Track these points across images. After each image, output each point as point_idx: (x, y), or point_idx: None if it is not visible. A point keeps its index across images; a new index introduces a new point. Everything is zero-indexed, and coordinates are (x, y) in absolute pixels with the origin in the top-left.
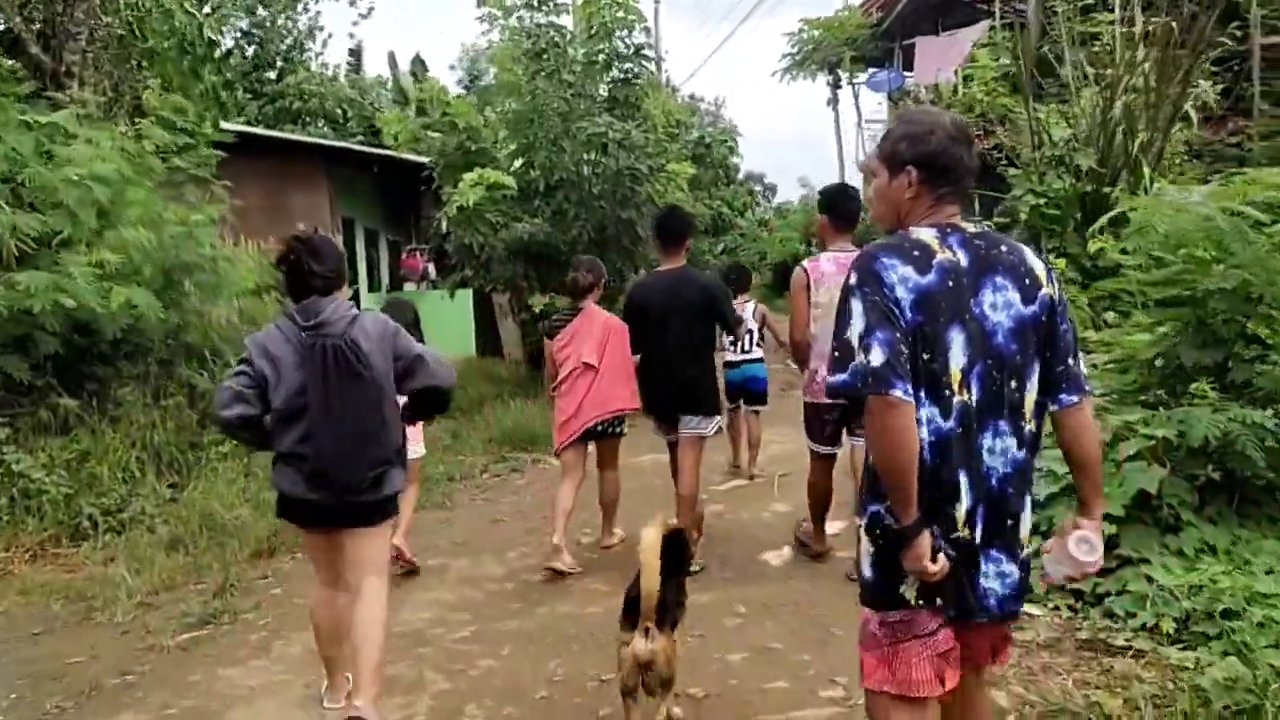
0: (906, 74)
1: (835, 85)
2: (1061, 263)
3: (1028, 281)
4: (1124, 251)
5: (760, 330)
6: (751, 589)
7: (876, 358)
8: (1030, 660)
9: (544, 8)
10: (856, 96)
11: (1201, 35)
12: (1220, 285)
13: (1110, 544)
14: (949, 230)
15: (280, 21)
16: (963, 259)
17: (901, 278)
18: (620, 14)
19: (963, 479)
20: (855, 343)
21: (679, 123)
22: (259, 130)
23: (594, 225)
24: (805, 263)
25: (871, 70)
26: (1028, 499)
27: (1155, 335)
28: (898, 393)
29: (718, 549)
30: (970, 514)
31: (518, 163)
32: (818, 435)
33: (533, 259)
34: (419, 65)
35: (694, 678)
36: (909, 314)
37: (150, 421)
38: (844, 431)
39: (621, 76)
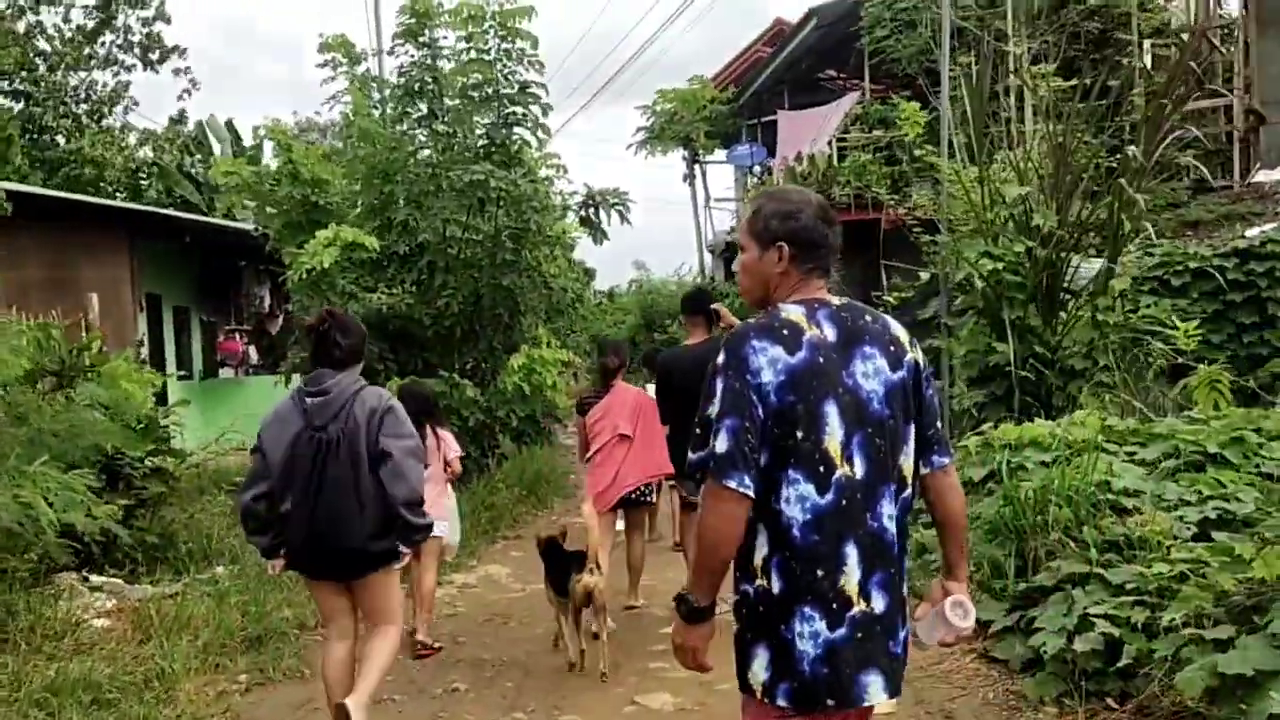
0: (761, 148)
1: (693, 160)
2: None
3: (893, 348)
4: None
5: None
6: None
7: (721, 444)
8: None
9: (424, 46)
10: (704, 175)
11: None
12: None
13: None
14: (817, 306)
15: (70, 81)
16: (830, 333)
17: (770, 360)
18: (508, 41)
19: (850, 550)
20: (711, 424)
21: (559, 175)
22: (36, 189)
23: (466, 296)
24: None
25: (733, 146)
26: (905, 562)
27: None
28: (732, 483)
29: None
30: (864, 587)
31: (371, 224)
32: None
33: (391, 336)
34: (230, 130)
35: None
36: (777, 396)
37: None
38: None
39: (502, 120)
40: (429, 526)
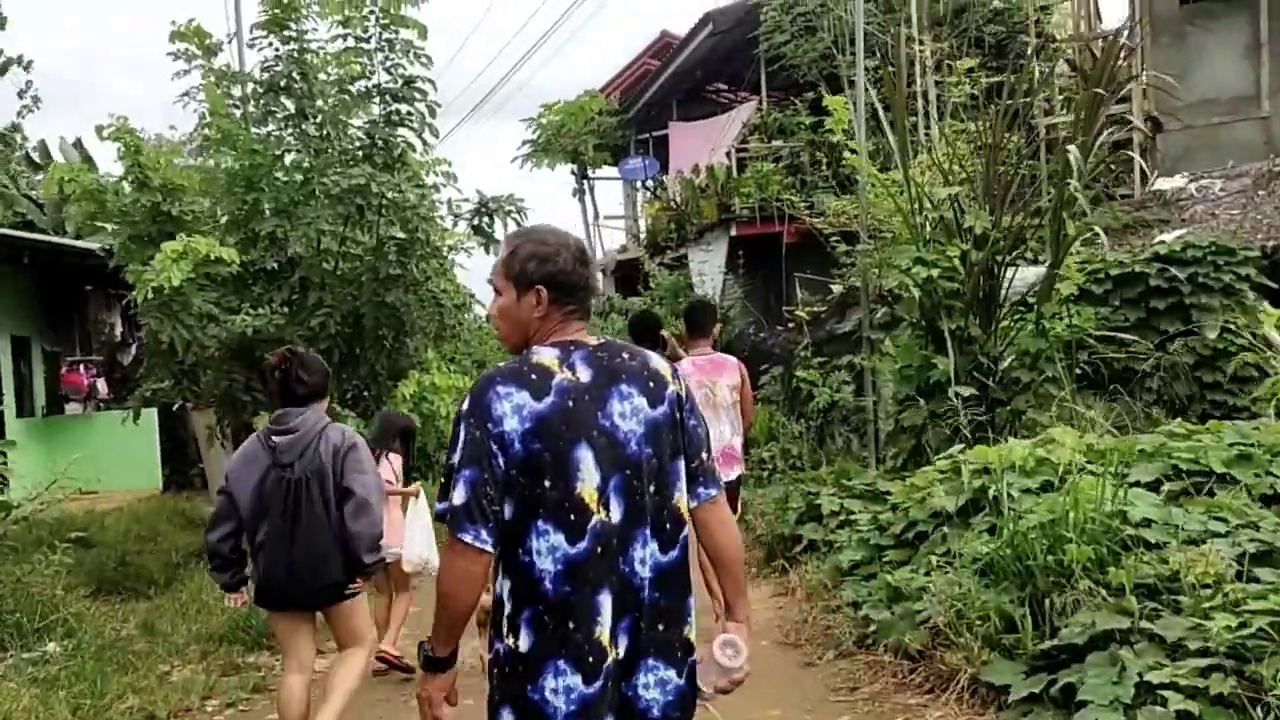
0: (654, 161)
1: (581, 175)
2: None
3: (653, 384)
4: None
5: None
6: None
7: (458, 497)
8: None
9: (291, 40)
10: (593, 190)
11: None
12: None
13: None
14: (573, 348)
15: None
16: (584, 376)
17: (515, 406)
18: (392, 30)
19: (604, 599)
20: (452, 474)
21: (449, 183)
22: None
23: (344, 315)
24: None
25: (624, 160)
26: (689, 601)
27: None
28: (467, 537)
29: None
30: (614, 634)
31: (234, 237)
32: None
33: (258, 363)
34: (79, 149)
35: None
36: (522, 444)
37: None
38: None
39: (383, 118)
40: (381, 560)
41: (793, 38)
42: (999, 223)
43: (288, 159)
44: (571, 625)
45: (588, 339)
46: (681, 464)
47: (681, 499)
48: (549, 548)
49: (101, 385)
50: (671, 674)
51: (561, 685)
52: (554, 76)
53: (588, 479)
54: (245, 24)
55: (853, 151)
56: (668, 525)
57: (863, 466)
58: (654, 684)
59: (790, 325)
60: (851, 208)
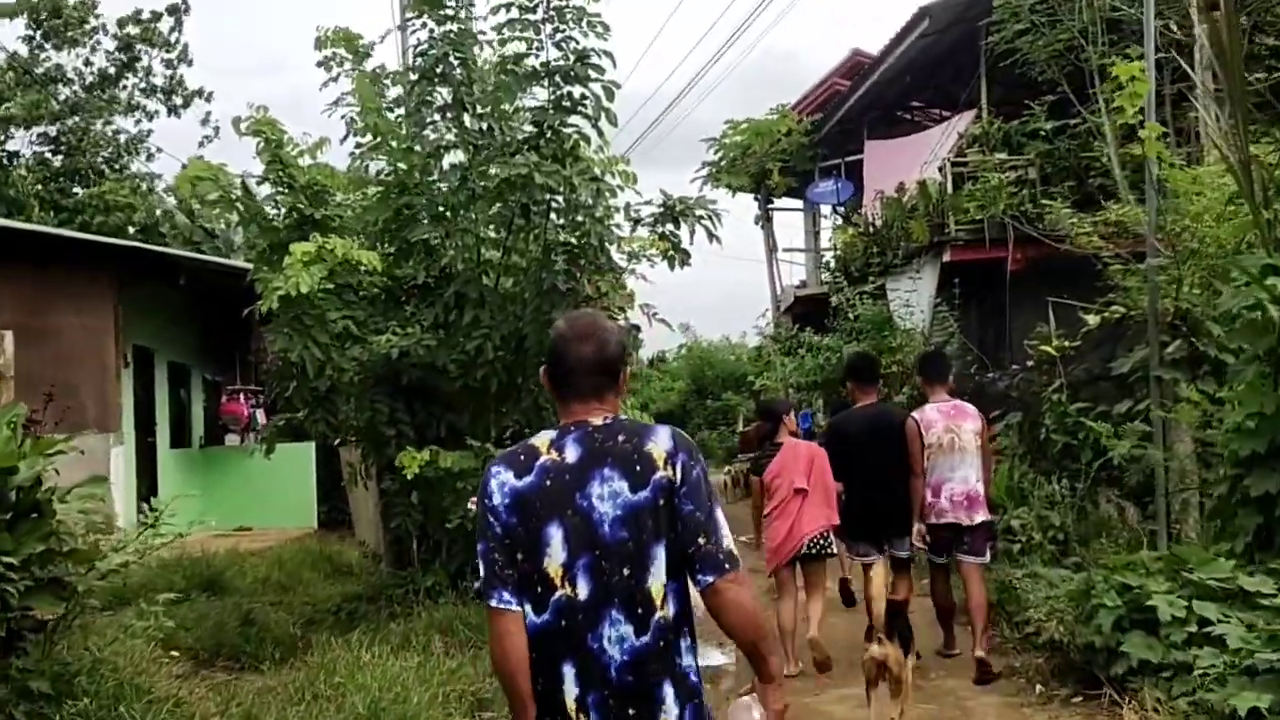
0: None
1: (767, 200)
2: None
3: (639, 468)
4: None
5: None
6: None
7: (482, 569)
8: None
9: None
10: (771, 220)
11: None
12: None
13: None
14: (572, 429)
15: (98, 127)
16: (571, 456)
17: (500, 484)
18: None
19: (568, 670)
20: None
21: (628, 184)
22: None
23: (504, 337)
24: (915, 414)
25: (812, 184)
26: (667, 689)
27: None
28: (494, 602)
29: None
30: (580, 703)
31: (386, 249)
32: (932, 549)
33: (405, 392)
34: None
35: None
36: (505, 516)
37: None
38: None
39: (552, 100)
40: None
41: (1032, 26)
42: None
43: (445, 161)
44: (542, 687)
45: (591, 418)
46: (662, 549)
47: (656, 585)
48: (525, 615)
49: (261, 416)
50: None
51: None
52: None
53: (554, 556)
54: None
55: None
56: (640, 610)
57: (1147, 546)
58: None
59: (1030, 364)
60: (1127, 216)
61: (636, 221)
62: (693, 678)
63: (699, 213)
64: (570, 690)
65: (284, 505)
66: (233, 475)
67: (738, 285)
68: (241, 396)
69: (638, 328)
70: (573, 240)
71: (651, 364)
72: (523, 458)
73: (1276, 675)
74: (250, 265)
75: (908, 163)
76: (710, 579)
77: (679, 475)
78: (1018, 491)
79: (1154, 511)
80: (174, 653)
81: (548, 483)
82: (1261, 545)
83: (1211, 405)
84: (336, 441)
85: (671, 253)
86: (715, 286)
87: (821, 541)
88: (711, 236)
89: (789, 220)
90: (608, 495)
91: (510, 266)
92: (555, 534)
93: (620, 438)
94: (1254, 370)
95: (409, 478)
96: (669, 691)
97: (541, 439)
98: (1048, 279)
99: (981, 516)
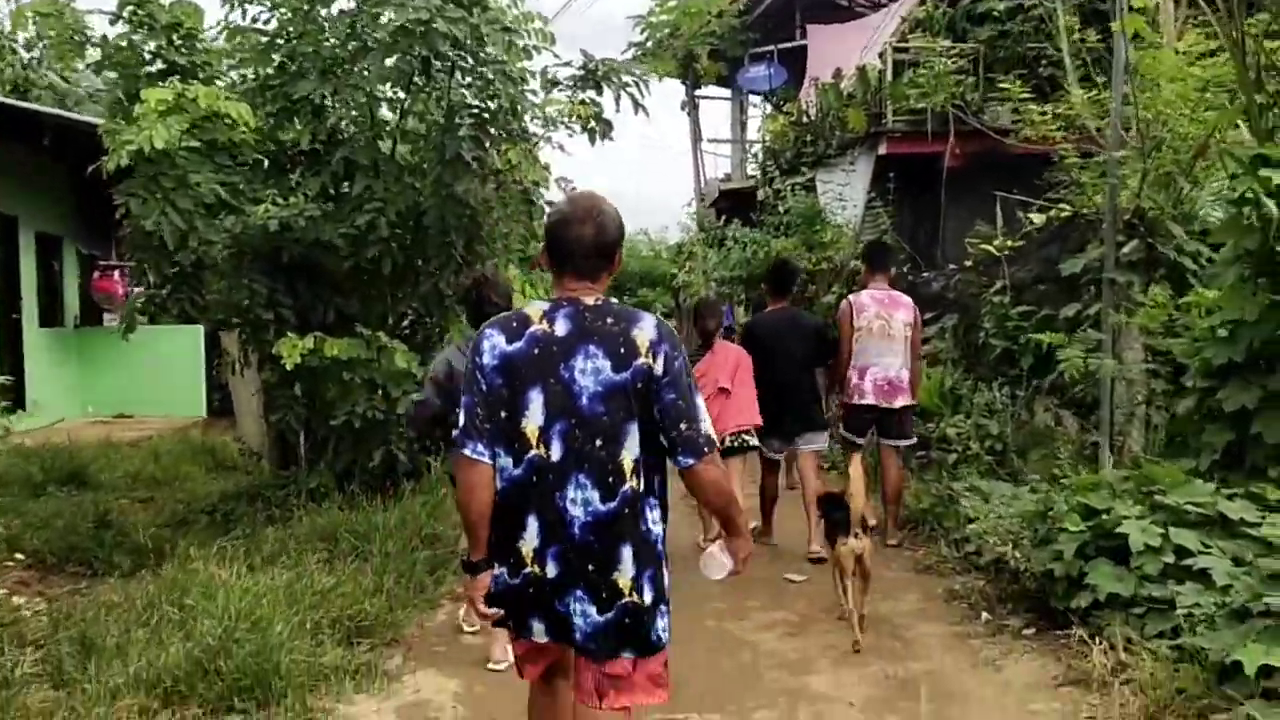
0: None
1: (694, 86)
2: None
3: (622, 351)
4: None
5: None
6: None
7: (461, 420)
8: None
9: None
10: (697, 108)
11: None
12: None
13: None
14: (564, 304)
15: None
16: (561, 329)
17: (491, 345)
18: None
19: (531, 521)
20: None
21: (542, 45)
22: None
23: (401, 211)
24: (850, 296)
25: (741, 70)
26: (625, 550)
27: None
28: (467, 451)
29: None
30: (539, 553)
31: (266, 108)
32: (851, 429)
33: (287, 271)
34: None
35: None
36: (492, 376)
37: None
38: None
39: None
40: None
41: None
42: None
43: (335, 6)
44: (504, 533)
45: (584, 297)
46: (634, 427)
47: (627, 458)
48: (501, 467)
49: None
50: (592, 611)
51: (499, 572)
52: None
53: (533, 418)
54: None
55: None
56: (610, 479)
57: (1087, 459)
58: (578, 613)
59: (968, 265)
60: (1083, 107)
61: (553, 84)
62: (658, 546)
63: (624, 78)
64: (530, 540)
65: (170, 392)
66: (112, 358)
67: (659, 180)
68: (117, 273)
69: (554, 204)
70: (481, 103)
71: None
72: (515, 324)
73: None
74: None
75: (851, 49)
76: (690, 461)
77: (661, 365)
78: (952, 398)
79: (1097, 422)
80: (18, 555)
81: (535, 351)
82: (1230, 464)
83: (1177, 311)
84: (212, 326)
85: (592, 123)
86: (635, 180)
87: (744, 436)
88: (637, 106)
89: (716, 113)
90: (590, 370)
91: (409, 132)
92: (536, 398)
93: (609, 320)
94: (1235, 271)
95: (290, 368)
96: (627, 554)
97: (534, 309)
98: (988, 176)
99: (903, 401)
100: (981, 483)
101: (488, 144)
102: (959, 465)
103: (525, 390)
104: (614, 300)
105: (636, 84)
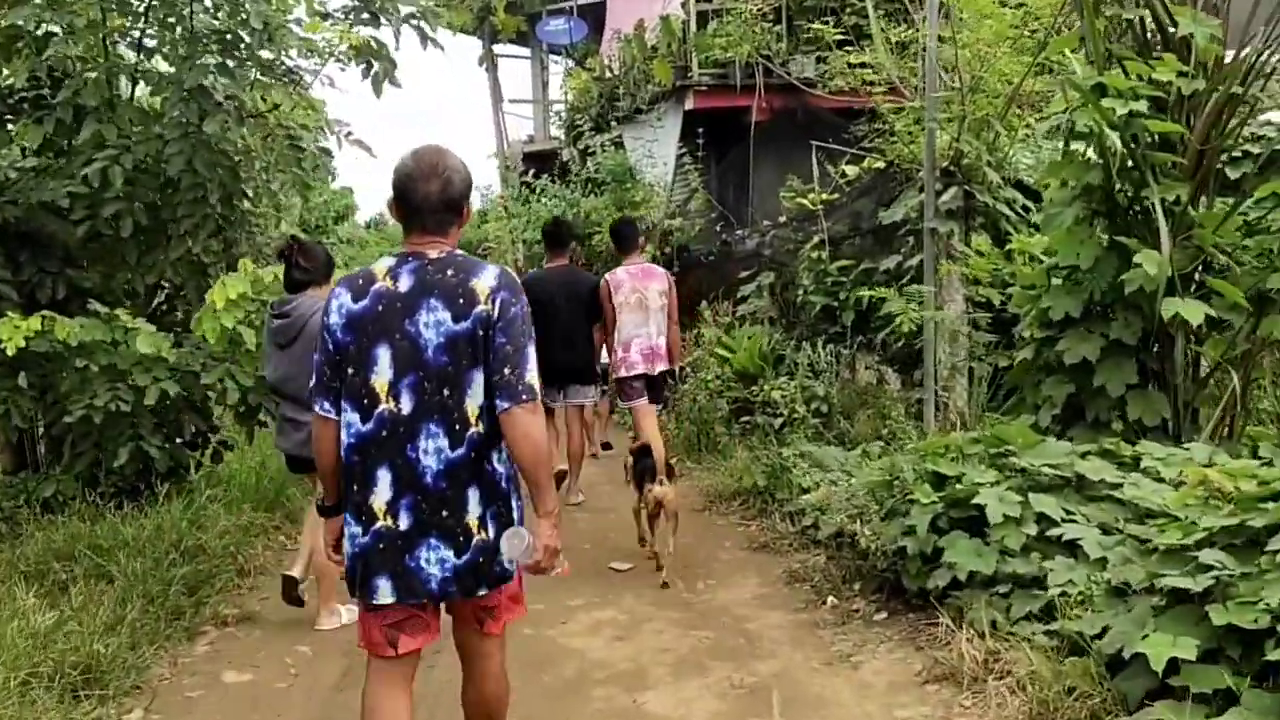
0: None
1: (491, 40)
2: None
3: (461, 301)
4: None
5: None
6: None
7: (313, 379)
8: None
9: None
10: (495, 66)
11: None
12: None
13: None
14: (410, 258)
15: None
16: (404, 285)
17: (339, 305)
18: None
19: (383, 475)
20: None
21: None
22: None
23: (141, 162)
24: (607, 275)
25: (541, 22)
26: (472, 492)
27: None
28: (318, 407)
29: None
30: (391, 505)
31: None
32: (625, 398)
33: (2, 238)
34: None
35: None
36: (339, 335)
37: None
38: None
39: None
40: None
41: None
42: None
43: None
44: (355, 488)
45: (428, 251)
46: (478, 374)
47: (472, 405)
48: (348, 423)
49: None
50: (450, 554)
51: (349, 533)
52: None
53: (382, 373)
54: None
55: None
56: (456, 426)
57: (911, 419)
58: (434, 561)
59: (782, 220)
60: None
61: (323, 16)
62: (501, 484)
63: (405, 9)
64: (383, 494)
65: None
66: None
67: (462, 140)
68: None
69: (328, 151)
70: (227, 29)
71: (369, 227)
72: (361, 282)
73: (1185, 604)
74: None
75: (651, 1)
76: (506, 405)
77: (497, 310)
78: (773, 358)
79: (920, 378)
80: None
81: (380, 308)
82: (1071, 419)
83: (1003, 260)
84: None
85: (373, 64)
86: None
87: None
88: (425, 39)
89: (517, 73)
90: (433, 324)
91: (151, 72)
92: (384, 354)
93: (449, 271)
94: (1072, 213)
95: (12, 353)
96: (473, 494)
97: (380, 265)
98: (795, 131)
99: (662, 367)
100: (810, 447)
101: (238, 79)
102: (784, 429)
103: (373, 347)
104: (460, 252)
105: (424, 15)
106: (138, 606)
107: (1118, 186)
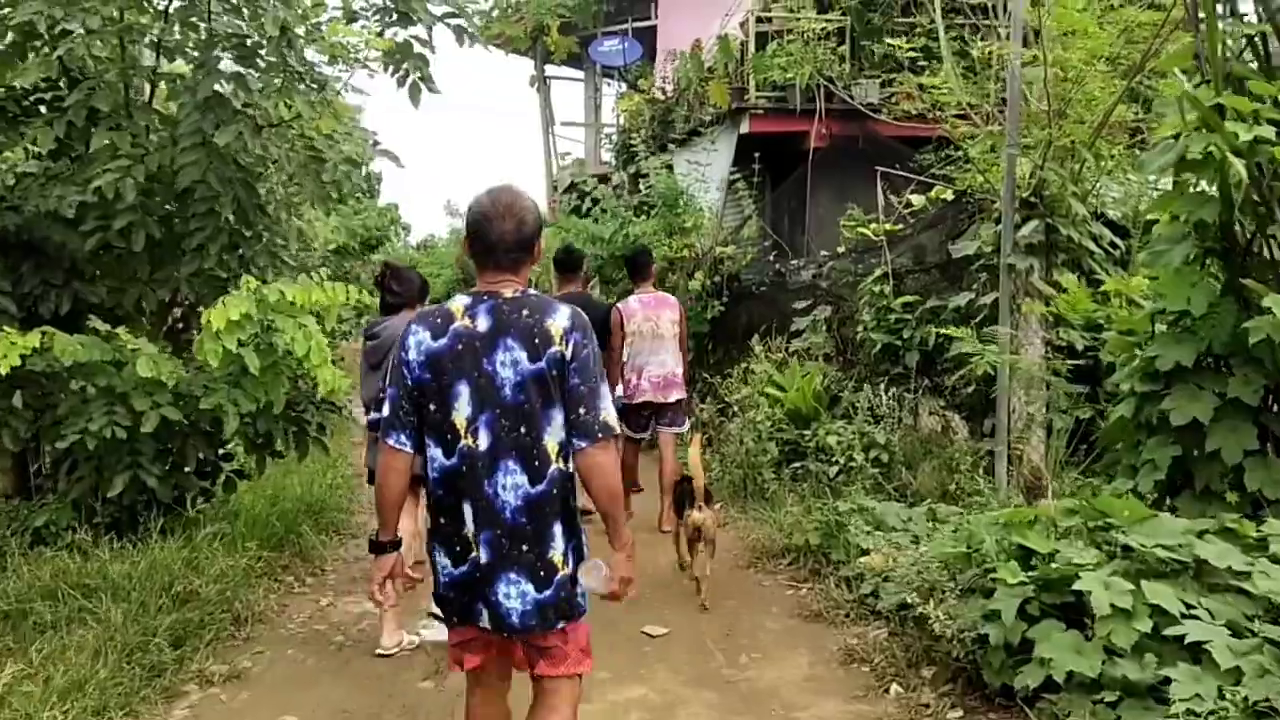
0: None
1: (544, 59)
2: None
3: (537, 341)
4: None
5: None
6: None
7: (386, 410)
8: None
9: None
10: (547, 85)
11: None
12: None
13: None
14: (485, 297)
15: None
16: (482, 325)
17: (417, 342)
18: None
19: (466, 508)
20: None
21: None
22: None
23: (155, 174)
24: (619, 304)
25: (595, 44)
26: (557, 527)
27: None
28: (390, 440)
29: None
30: (475, 538)
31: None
32: (632, 426)
33: (7, 248)
34: None
35: None
36: (418, 372)
37: None
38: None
39: None
40: None
41: None
42: None
43: None
44: (443, 521)
45: (503, 290)
46: (557, 412)
47: (551, 442)
48: (432, 458)
49: None
50: (530, 589)
51: (440, 563)
52: None
53: (461, 410)
54: None
55: None
56: (536, 462)
57: (981, 475)
58: (514, 595)
59: (841, 251)
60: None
61: (351, 18)
62: (579, 519)
63: (437, 10)
64: (468, 526)
65: None
66: None
67: (511, 165)
68: None
69: (355, 162)
70: (247, 34)
71: (419, 248)
72: (439, 320)
73: None
74: None
75: (708, 19)
76: (582, 444)
77: (570, 351)
78: (828, 399)
79: (990, 428)
80: None
81: (459, 346)
82: (1175, 488)
83: (1097, 301)
84: None
85: (407, 70)
86: (484, 165)
87: None
88: (462, 36)
89: (569, 96)
90: (509, 363)
91: (166, 75)
92: (463, 391)
93: (524, 312)
94: (1182, 251)
95: (3, 371)
96: (558, 530)
97: (457, 304)
98: (855, 158)
99: (676, 395)
100: (869, 501)
101: (251, 79)
102: (839, 478)
103: (453, 384)
104: (533, 291)
105: (461, 13)
106: (111, 662)
107: (1239, 222)
